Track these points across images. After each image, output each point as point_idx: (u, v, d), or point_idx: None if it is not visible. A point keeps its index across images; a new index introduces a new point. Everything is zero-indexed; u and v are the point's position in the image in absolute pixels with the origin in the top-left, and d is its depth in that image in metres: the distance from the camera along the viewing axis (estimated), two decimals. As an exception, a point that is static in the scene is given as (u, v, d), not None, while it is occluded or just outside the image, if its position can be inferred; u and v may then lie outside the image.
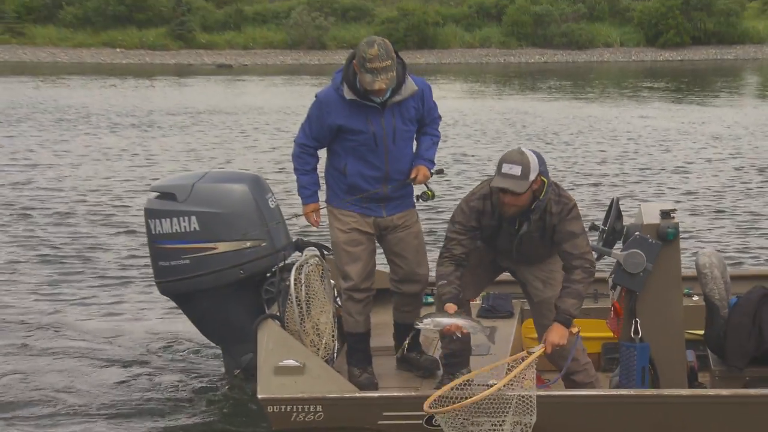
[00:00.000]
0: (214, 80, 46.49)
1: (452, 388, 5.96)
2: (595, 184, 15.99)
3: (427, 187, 6.77)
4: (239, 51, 64.58)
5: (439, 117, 6.84)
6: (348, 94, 6.39)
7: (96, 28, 65.72)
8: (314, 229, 7.15)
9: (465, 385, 5.98)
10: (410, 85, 6.49)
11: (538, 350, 6.17)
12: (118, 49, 64.16)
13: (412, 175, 6.64)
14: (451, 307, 6.18)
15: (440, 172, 6.99)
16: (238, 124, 27.63)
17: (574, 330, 6.26)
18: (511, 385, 5.92)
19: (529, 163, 6.05)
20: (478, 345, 6.81)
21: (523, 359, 6.10)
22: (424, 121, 6.69)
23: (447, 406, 5.89)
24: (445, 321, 6.18)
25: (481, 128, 25.97)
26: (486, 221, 6.30)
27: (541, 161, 6.17)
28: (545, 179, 6.19)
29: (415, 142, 6.77)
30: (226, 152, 21.79)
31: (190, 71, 53.88)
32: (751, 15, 69.42)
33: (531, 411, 5.95)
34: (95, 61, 60.79)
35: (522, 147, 6.24)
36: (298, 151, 6.66)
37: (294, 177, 6.79)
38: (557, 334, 6.19)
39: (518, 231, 6.29)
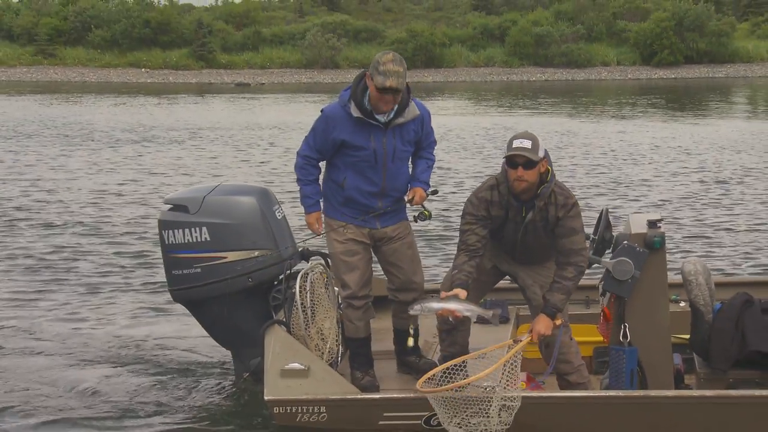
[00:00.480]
0: (223, 98, 46.51)
1: (443, 371, 5.99)
2: (581, 197, 15.98)
3: (424, 208, 6.79)
4: (257, 70, 64.85)
5: (435, 141, 6.86)
6: (355, 112, 6.37)
7: (122, 49, 66.13)
8: (319, 239, 7.13)
9: (456, 369, 5.99)
10: (413, 110, 6.50)
11: (525, 339, 6.18)
12: (143, 69, 64.48)
13: (409, 197, 6.67)
14: (460, 292, 6.07)
15: (435, 192, 7.03)
16: (245, 138, 27.70)
17: (558, 322, 6.24)
18: (503, 373, 5.92)
19: (538, 141, 6.12)
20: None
21: (510, 348, 6.11)
22: (421, 144, 6.71)
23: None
24: (436, 306, 6.09)
25: (462, 143, 25.79)
26: (494, 211, 6.27)
27: (546, 152, 6.21)
28: (549, 167, 6.23)
29: (410, 164, 6.77)
30: (235, 166, 21.81)
31: (211, 89, 54.04)
32: (741, 35, 69.55)
33: (516, 396, 5.95)
34: (122, 81, 61.07)
35: (528, 131, 6.29)
36: (301, 162, 6.63)
37: (295, 187, 6.77)
38: (543, 325, 6.20)
39: (524, 219, 6.26)
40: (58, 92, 49.34)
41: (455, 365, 6.04)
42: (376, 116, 6.38)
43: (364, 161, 6.48)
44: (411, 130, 6.55)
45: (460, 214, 6.43)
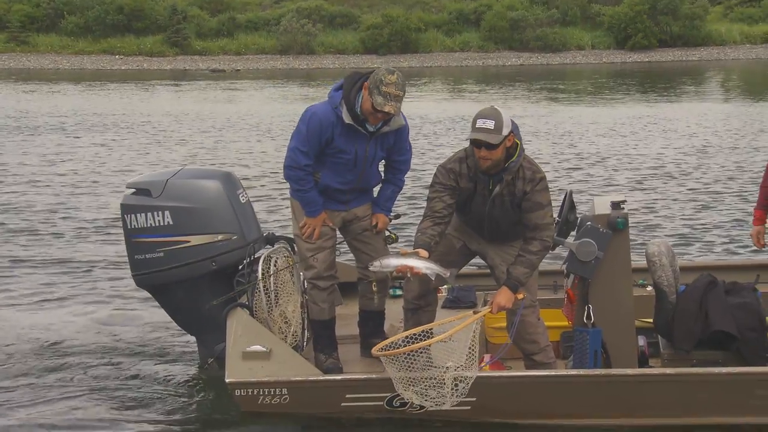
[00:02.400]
0: (198, 85, 46.27)
1: (404, 339, 5.99)
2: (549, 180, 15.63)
3: (390, 232, 6.86)
4: (232, 56, 64.49)
5: (409, 164, 6.85)
6: (346, 118, 6.34)
7: (96, 36, 65.60)
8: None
9: (416, 338, 5.97)
10: (398, 120, 6.50)
11: (484, 310, 6.16)
12: (117, 56, 64.00)
13: (373, 223, 6.74)
14: (421, 251, 6.03)
15: (397, 217, 7.13)
16: (215, 123, 27.55)
17: (520, 296, 6.21)
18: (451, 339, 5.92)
19: (502, 119, 6.03)
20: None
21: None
22: (392, 156, 6.70)
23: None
24: (395, 262, 6.02)
25: (438, 131, 25.51)
26: (463, 183, 6.23)
27: (514, 124, 6.15)
28: (518, 141, 6.16)
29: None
30: (202, 151, 21.69)
31: (186, 76, 53.74)
32: (714, 19, 69.68)
33: (472, 366, 5.95)
34: (95, 68, 60.63)
35: (494, 105, 6.19)
36: (301, 174, 6.48)
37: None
38: (504, 297, 6.16)
39: (491, 192, 6.22)
40: (32, 80, 48.88)
41: (415, 335, 6.02)
42: (366, 124, 6.38)
43: (343, 164, 6.50)
44: (390, 138, 6.58)
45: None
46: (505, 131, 6.03)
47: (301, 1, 69.60)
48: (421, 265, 5.99)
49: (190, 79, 50.44)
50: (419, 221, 6.34)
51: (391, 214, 6.90)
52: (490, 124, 6.01)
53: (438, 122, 27.20)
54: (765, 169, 7.06)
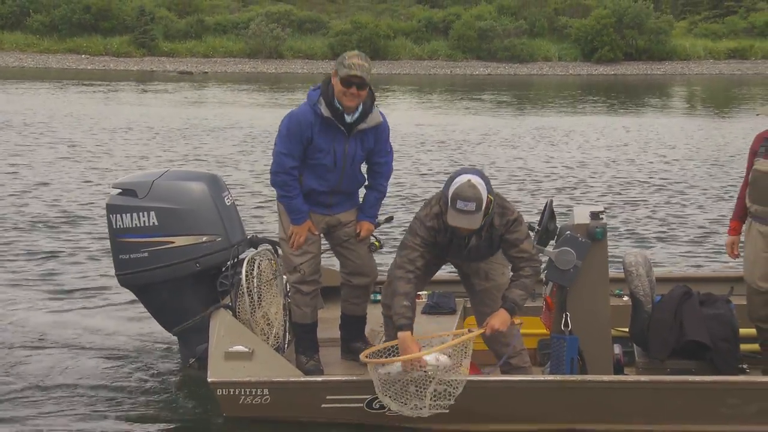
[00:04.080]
0: (165, 86, 46.11)
1: (391, 347, 6.13)
2: (528, 188, 16.19)
3: (375, 238, 6.92)
4: (200, 59, 64.28)
5: (391, 167, 6.86)
6: (325, 111, 6.41)
7: (62, 35, 65.15)
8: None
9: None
10: (376, 116, 6.57)
11: (477, 331, 6.24)
12: (83, 56, 63.59)
13: (357, 230, 6.78)
14: (407, 339, 6.06)
15: (390, 219, 7.21)
16: (189, 126, 27.43)
17: (517, 321, 6.31)
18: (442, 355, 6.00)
19: (482, 197, 5.97)
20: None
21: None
22: (372, 159, 6.74)
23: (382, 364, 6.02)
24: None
25: (409, 143, 25.39)
26: (440, 238, 6.30)
27: (486, 182, 6.09)
28: (491, 197, 6.13)
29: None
30: (182, 154, 21.58)
31: (153, 77, 53.50)
32: (679, 33, 70.43)
33: (458, 386, 6.05)
34: (61, 67, 60.17)
35: (470, 178, 6.03)
36: (287, 178, 6.52)
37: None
38: (499, 320, 6.22)
39: (467, 244, 6.31)
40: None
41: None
42: (345, 113, 6.43)
43: (323, 165, 6.54)
44: (370, 137, 6.62)
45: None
46: (485, 203, 6.01)
47: (270, 6, 69.55)
48: (430, 357, 6.02)
49: (157, 81, 50.21)
50: (397, 262, 6.28)
51: (378, 219, 6.95)
52: (471, 206, 5.94)
53: (407, 130, 27.28)
54: (743, 180, 7.20)
